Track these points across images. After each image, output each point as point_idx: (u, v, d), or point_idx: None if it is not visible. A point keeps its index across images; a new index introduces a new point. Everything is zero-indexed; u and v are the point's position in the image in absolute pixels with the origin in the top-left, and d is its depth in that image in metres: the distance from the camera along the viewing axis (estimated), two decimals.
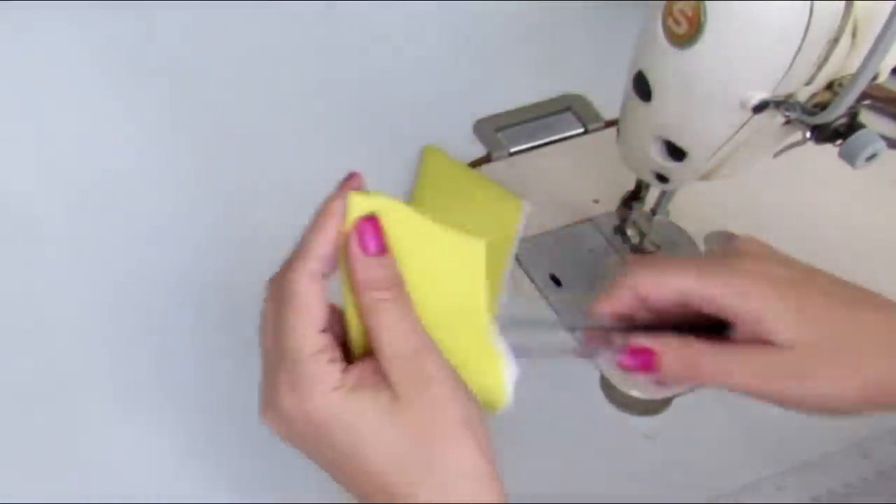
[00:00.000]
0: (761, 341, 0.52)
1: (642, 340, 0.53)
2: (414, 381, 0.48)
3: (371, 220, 0.49)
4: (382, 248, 0.49)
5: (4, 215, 0.72)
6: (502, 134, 0.77)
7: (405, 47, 0.84)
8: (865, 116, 0.56)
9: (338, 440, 0.48)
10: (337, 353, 0.49)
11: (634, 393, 0.64)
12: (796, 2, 0.51)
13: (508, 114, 0.79)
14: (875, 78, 0.53)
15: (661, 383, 0.55)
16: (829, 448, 0.63)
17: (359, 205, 0.49)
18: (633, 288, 0.54)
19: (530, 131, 0.78)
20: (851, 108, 0.53)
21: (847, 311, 0.53)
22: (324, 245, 0.49)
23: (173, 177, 0.75)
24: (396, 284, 0.49)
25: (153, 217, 0.73)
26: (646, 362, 0.53)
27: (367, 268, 0.49)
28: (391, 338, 0.49)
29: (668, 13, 0.54)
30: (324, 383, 0.48)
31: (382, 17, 0.85)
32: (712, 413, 0.64)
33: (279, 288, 0.50)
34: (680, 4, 0.53)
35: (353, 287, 0.49)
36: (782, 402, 0.52)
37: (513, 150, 0.77)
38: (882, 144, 0.55)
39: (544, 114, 0.79)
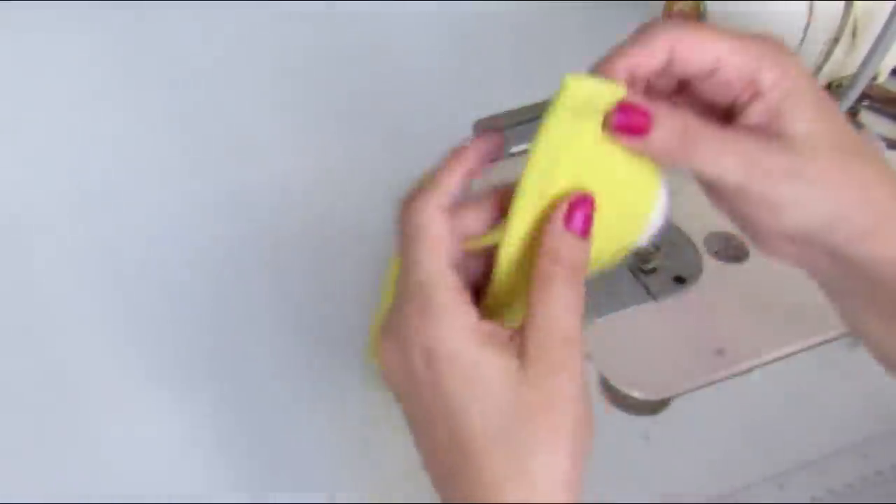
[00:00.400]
0: (768, 132, 0.47)
1: (639, 99, 0.47)
2: (548, 363, 0.45)
3: (589, 203, 0.47)
4: (586, 234, 0.47)
5: (4, 215, 0.72)
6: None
7: (405, 47, 0.84)
8: (865, 116, 0.56)
9: (449, 387, 0.45)
10: (469, 298, 0.46)
11: (634, 393, 0.64)
12: (796, 2, 0.51)
13: (508, 114, 0.78)
14: (875, 78, 0.53)
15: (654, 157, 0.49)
16: (829, 448, 0.63)
17: (578, 88, 0.47)
18: (673, 41, 0.47)
19: (530, 131, 0.78)
20: (851, 108, 0.53)
21: (864, 150, 0.47)
22: (454, 181, 0.48)
23: (173, 176, 0.75)
24: (580, 269, 0.47)
25: (154, 216, 0.73)
26: (638, 124, 0.47)
27: (563, 241, 0.47)
28: (551, 312, 0.46)
29: (667, 13, 0.54)
30: (456, 317, 0.45)
31: (382, 17, 0.85)
32: (712, 413, 0.64)
33: (404, 221, 0.47)
34: (680, 4, 0.53)
35: (539, 249, 0.47)
36: (761, 203, 0.47)
37: (513, 150, 0.76)
38: (882, 144, 0.55)
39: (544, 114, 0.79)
